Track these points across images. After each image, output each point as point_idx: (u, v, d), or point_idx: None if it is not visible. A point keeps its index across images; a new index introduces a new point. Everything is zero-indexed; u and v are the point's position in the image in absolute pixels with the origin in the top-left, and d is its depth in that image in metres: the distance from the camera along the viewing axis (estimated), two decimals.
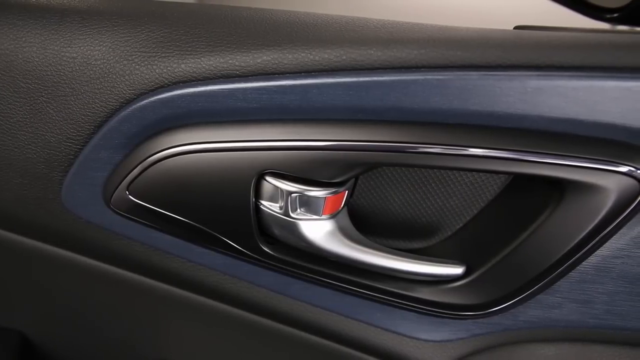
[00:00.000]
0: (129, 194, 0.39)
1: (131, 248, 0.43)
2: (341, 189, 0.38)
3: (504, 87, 0.34)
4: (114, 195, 0.40)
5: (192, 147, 0.37)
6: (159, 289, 0.45)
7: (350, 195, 0.40)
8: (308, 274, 0.41)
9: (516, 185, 0.40)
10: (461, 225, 0.42)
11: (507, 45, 0.34)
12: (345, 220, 0.40)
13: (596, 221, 0.36)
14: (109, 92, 0.38)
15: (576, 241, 0.37)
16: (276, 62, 0.35)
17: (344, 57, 0.34)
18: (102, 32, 0.38)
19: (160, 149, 0.38)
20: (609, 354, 0.43)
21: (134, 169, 0.39)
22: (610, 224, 0.36)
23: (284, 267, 0.41)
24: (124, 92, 0.37)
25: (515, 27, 0.41)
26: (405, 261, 0.39)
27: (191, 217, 0.40)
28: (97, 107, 0.38)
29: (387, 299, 0.41)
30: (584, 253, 0.38)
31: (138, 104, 0.37)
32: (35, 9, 0.39)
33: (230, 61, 0.36)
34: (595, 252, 0.38)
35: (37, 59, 0.38)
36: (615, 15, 0.47)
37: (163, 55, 0.37)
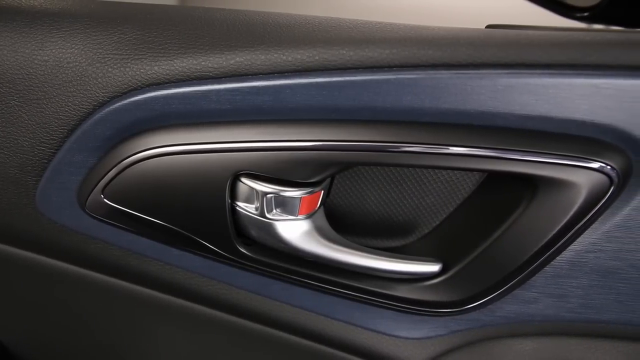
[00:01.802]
0: (104, 197, 0.39)
1: (108, 252, 0.43)
2: (317, 189, 0.38)
3: (474, 86, 0.34)
4: (88, 199, 0.39)
5: (166, 149, 0.37)
6: (138, 293, 0.45)
7: (326, 195, 0.40)
8: (286, 275, 0.41)
9: (490, 183, 0.41)
10: (438, 223, 0.43)
11: (478, 44, 0.34)
12: (322, 220, 0.40)
13: (569, 216, 0.37)
14: (82, 95, 0.37)
15: (550, 236, 0.38)
16: (249, 63, 0.35)
17: (317, 58, 0.35)
18: (74, 35, 0.38)
19: (134, 152, 0.38)
20: (585, 347, 0.44)
21: (108, 172, 0.38)
22: (582, 219, 0.37)
23: (262, 268, 0.41)
24: (97, 95, 0.37)
25: (487, 26, 0.42)
26: (382, 260, 0.39)
27: (167, 219, 0.39)
28: (70, 110, 0.38)
29: (365, 298, 0.41)
30: (557, 248, 0.38)
31: (111, 107, 0.37)
32: (6, 12, 0.39)
33: (203, 63, 0.36)
34: (569, 247, 0.39)
35: (7, 63, 0.38)
36: (586, 14, 0.47)
37: (136, 57, 0.37)
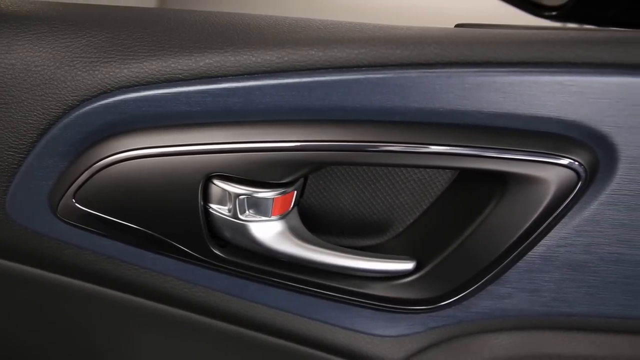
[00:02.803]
0: (76, 202, 0.39)
1: (82, 257, 0.42)
2: (290, 190, 0.38)
3: (443, 84, 0.34)
4: (60, 203, 0.39)
5: (138, 152, 0.37)
6: (113, 297, 0.45)
7: (300, 196, 0.40)
8: (262, 276, 0.41)
9: (462, 180, 0.41)
10: (411, 221, 0.43)
11: (445, 43, 0.35)
12: (296, 220, 0.40)
13: (539, 212, 0.37)
14: (50, 99, 0.37)
15: (521, 232, 0.38)
16: (219, 64, 0.35)
17: (286, 59, 0.35)
18: (42, 38, 0.37)
19: (105, 155, 0.37)
20: (559, 340, 0.44)
21: (79, 176, 0.38)
22: (552, 214, 0.38)
23: (238, 269, 0.41)
24: (66, 98, 0.37)
25: (456, 25, 0.42)
26: (356, 259, 0.39)
27: (141, 223, 0.39)
28: (39, 114, 0.37)
29: (342, 297, 0.41)
30: (529, 243, 0.39)
31: (81, 111, 0.37)
32: None
33: (172, 65, 0.36)
34: (540, 242, 0.39)
35: None
36: (554, 13, 0.48)
37: (105, 60, 0.36)
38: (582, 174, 0.36)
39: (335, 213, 0.43)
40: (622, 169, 0.37)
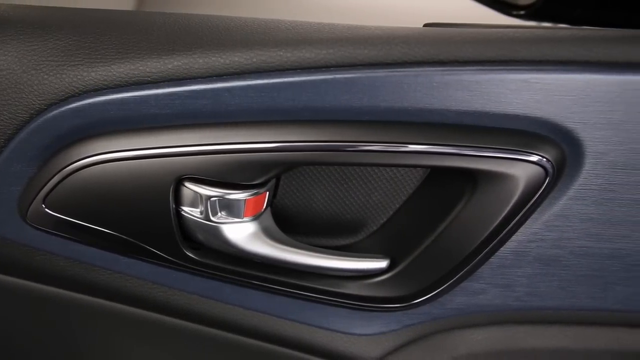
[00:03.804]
0: (46, 207, 0.38)
1: (54, 263, 0.42)
2: (262, 191, 0.38)
3: (410, 83, 0.35)
4: (29, 209, 0.39)
5: (107, 156, 0.37)
6: (87, 303, 0.44)
7: (272, 196, 0.40)
8: (237, 277, 0.41)
9: (434, 178, 0.42)
10: (385, 220, 0.43)
11: (412, 42, 0.35)
12: (269, 221, 0.40)
13: (508, 208, 0.38)
14: (17, 103, 0.36)
15: (492, 228, 0.39)
16: (187, 67, 0.35)
17: (254, 60, 0.35)
18: (7, 42, 0.37)
19: (75, 159, 0.37)
20: (533, 333, 0.45)
21: (49, 181, 0.38)
22: (522, 210, 0.38)
23: (213, 272, 0.41)
24: (34, 103, 0.36)
25: (425, 25, 0.42)
26: (329, 258, 0.39)
27: (113, 227, 0.39)
28: (6, 119, 0.37)
29: (317, 297, 0.42)
30: (501, 239, 0.39)
31: (49, 115, 0.36)
32: None
33: (140, 67, 0.35)
34: (512, 238, 0.40)
35: None
36: (522, 12, 0.49)
37: (72, 64, 0.36)
38: (550, 170, 0.37)
39: (309, 213, 0.43)
40: (588, 164, 0.37)
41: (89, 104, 0.36)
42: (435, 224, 0.40)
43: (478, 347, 0.46)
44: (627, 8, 0.50)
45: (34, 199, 0.38)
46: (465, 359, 0.46)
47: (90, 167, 0.37)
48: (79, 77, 0.36)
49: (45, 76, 0.36)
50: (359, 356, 0.45)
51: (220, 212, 0.37)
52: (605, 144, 0.37)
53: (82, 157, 0.37)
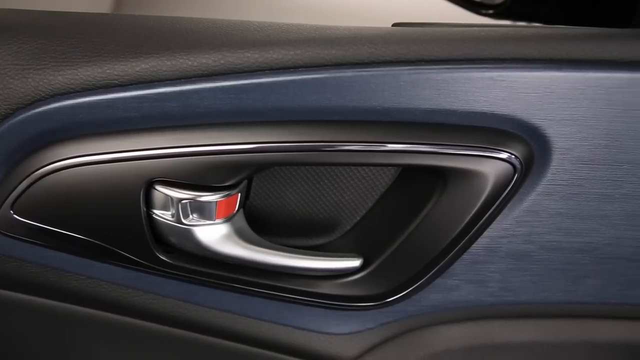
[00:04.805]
0: (14, 213, 0.38)
1: (24, 270, 0.41)
2: (233, 192, 0.38)
3: (378, 83, 0.35)
4: None
5: (76, 160, 0.36)
6: (61, 310, 0.44)
7: (245, 198, 0.40)
8: (212, 280, 0.41)
9: (405, 176, 0.42)
10: (358, 219, 0.44)
11: (379, 42, 0.35)
12: (242, 222, 0.40)
13: (478, 204, 0.38)
14: None
15: (463, 224, 0.39)
16: (154, 69, 0.35)
17: (222, 61, 0.35)
18: None
19: (43, 164, 0.37)
20: (507, 328, 0.46)
21: (16, 186, 0.37)
22: (492, 206, 0.39)
23: (187, 274, 0.41)
24: None
25: (394, 25, 0.43)
26: (302, 258, 0.39)
27: (84, 232, 0.39)
28: None
29: (292, 297, 0.42)
30: (472, 235, 0.40)
31: (15, 119, 0.36)
32: None
33: (108, 71, 0.35)
34: (483, 234, 0.40)
35: None
36: (491, 11, 0.50)
37: (38, 67, 0.36)
38: (518, 166, 0.37)
39: (282, 214, 0.43)
40: (555, 160, 0.38)
41: (56, 107, 0.35)
42: (407, 222, 0.40)
43: (454, 343, 0.46)
44: (593, 7, 0.51)
45: (2, 205, 0.38)
46: (441, 355, 0.46)
47: (59, 172, 0.36)
48: (45, 80, 0.35)
49: (11, 80, 0.36)
50: (336, 355, 0.45)
51: (191, 214, 0.37)
52: (571, 140, 0.37)
53: (50, 161, 0.36)
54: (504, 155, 0.37)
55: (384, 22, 0.44)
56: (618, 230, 0.41)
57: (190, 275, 0.41)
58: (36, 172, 0.37)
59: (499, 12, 0.49)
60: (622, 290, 0.43)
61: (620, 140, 0.38)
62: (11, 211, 0.38)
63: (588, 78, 0.36)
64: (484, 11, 0.50)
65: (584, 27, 0.40)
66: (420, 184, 0.40)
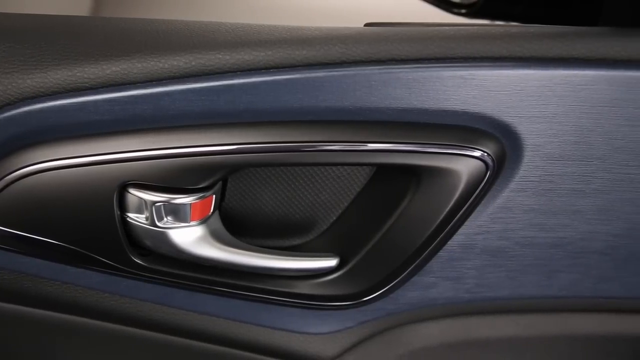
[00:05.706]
0: None
1: None
2: (208, 194, 0.38)
3: (349, 83, 0.35)
4: None
5: (47, 164, 0.36)
6: (37, 316, 0.43)
7: (220, 199, 0.40)
8: (189, 282, 0.41)
9: (379, 175, 0.42)
10: (334, 218, 0.44)
11: (350, 42, 0.36)
12: (217, 224, 0.40)
13: (452, 202, 0.39)
14: None
15: (438, 222, 0.39)
16: (126, 72, 0.35)
17: (194, 63, 0.35)
18: None
19: (14, 169, 0.36)
20: (485, 323, 0.46)
21: None
22: (466, 204, 0.39)
23: (163, 277, 0.40)
24: None
25: (366, 24, 0.43)
26: (278, 259, 0.39)
27: (58, 237, 0.38)
28: None
29: (270, 298, 0.42)
30: (447, 232, 0.40)
31: None
32: None
33: (78, 74, 0.35)
34: (458, 231, 0.41)
35: None
36: (464, 10, 0.50)
37: (6, 71, 0.35)
38: (490, 164, 0.38)
39: (258, 215, 0.43)
40: (527, 156, 0.39)
41: (26, 111, 0.35)
42: (382, 220, 0.40)
43: (433, 340, 0.47)
44: (564, 5, 0.51)
45: None
46: (421, 352, 0.47)
47: (31, 176, 0.36)
48: (13, 84, 0.35)
49: None
50: (316, 355, 0.45)
51: (166, 217, 0.37)
52: (542, 137, 0.38)
53: (21, 166, 0.36)
54: (477, 153, 0.38)
55: (358, 22, 0.44)
56: (590, 225, 0.42)
57: (167, 278, 0.40)
58: (7, 177, 0.36)
59: (472, 12, 0.50)
60: (596, 283, 0.44)
61: (589, 137, 0.38)
62: None
63: (556, 76, 0.37)
64: (457, 10, 0.50)
65: (553, 26, 0.40)
66: (395, 182, 0.40)
